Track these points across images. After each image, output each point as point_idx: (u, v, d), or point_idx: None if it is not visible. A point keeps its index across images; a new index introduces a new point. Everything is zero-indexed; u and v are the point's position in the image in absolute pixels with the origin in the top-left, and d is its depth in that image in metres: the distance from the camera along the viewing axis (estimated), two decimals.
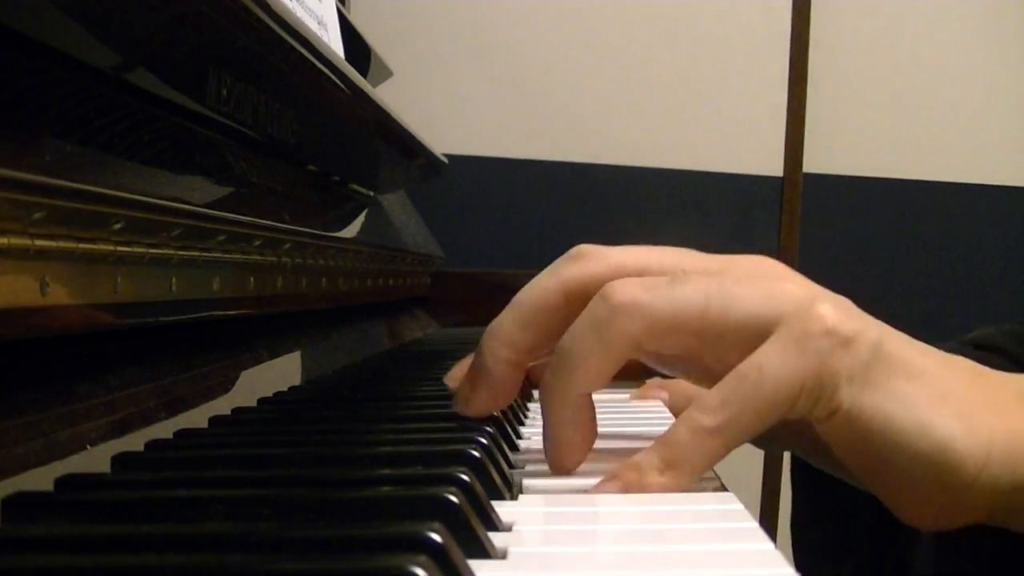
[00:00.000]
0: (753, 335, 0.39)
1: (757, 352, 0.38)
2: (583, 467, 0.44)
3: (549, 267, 0.44)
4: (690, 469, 0.38)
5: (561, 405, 0.41)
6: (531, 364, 0.46)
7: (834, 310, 0.38)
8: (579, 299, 0.42)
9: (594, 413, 0.42)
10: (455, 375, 0.48)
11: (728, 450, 0.39)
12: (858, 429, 0.38)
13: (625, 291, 0.39)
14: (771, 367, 0.38)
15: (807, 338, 0.38)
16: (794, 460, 0.66)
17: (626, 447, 0.51)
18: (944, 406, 0.38)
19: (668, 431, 0.39)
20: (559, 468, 0.42)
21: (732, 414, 0.38)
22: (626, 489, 0.38)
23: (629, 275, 0.41)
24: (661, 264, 0.43)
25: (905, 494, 0.40)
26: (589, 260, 0.43)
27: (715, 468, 0.44)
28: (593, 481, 0.42)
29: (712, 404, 0.38)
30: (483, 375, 0.44)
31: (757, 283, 0.40)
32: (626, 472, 0.39)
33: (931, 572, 0.60)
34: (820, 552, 0.65)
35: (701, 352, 0.41)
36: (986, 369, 0.42)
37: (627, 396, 0.68)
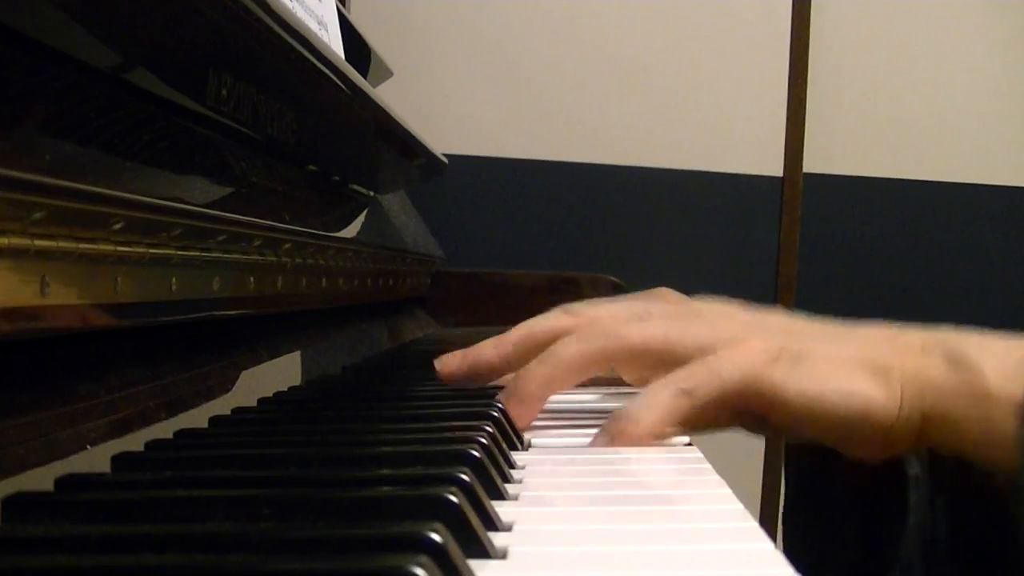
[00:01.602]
0: (701, 356, 0.52)
1: (720, 352, 0.52)
2: (582, 466, 0.44)
3: (548, 315, 0.58)
4: (664, 417, 0.50)
5: (536, 384, 0.54)
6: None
7: (758, 341, 0.52)
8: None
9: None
10: (445, 358, 0.59)
11: (690, 411, 0.50)
12: (797, 411, 0.50)
13: (607, 325, 0.56)
14: (727, 359, 0.51)
15: (745, 353, 0.51)
16: (787, 447, 0.68)
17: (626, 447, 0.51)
18: (859, 369, 0.50)
19: (647, 388, 0.51)
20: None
21: (699, 381, 0.51)
22: (611, 435, 0.50)
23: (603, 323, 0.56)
24: (632, 313, 0.57)
25: (850, 443, 0.51)
26: (579, 315, 0.57)
27: (715, 467, 0.44)
28: (593, 481, 0.42)
29: (684, 374, 0.51)
30: (471, 358, 0.58)
31: (704, 321, 0.55)
32: (615, 421, 0.51)
33: (911, 565, 0.61)
34: (807, 529, 0.67)
35: (662, 370, 0.53)
36: (890, 329, 0.54)
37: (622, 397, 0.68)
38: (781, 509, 0.68)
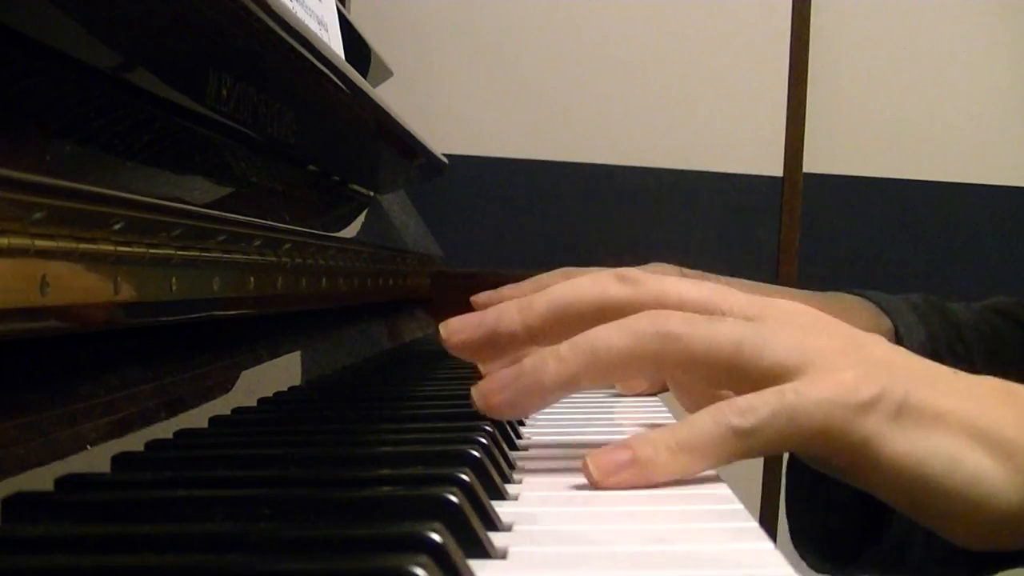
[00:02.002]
0: (777, 380, 0.41)
1: (796, 382, 0.40)
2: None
3: (593, 276, 0.45)
4: (703, 460, 0.40)
5: (554, 376, 0.42)
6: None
7: (855, 375, 0.40)
8: (612, 317, 0.43)
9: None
10: (454, 323, 0.48)
11: (740, 457, 0.40)
12: (888, 477, 0.40)
13: (670, 320, 0.42)
14: (808, 395, 0.39)
15: (837, 388, 0.40)
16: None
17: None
18: (974, 442, 0.40)
19: (693, 417, 0.40)
20: (486, 404, 0.43)
21: (761, 422, 0.39)
22: (635, 461, 0.39)
23: (669, 307, 0.43)
24: (701, 300, 0.44)
25: (950, 525, 0.41)
26: (635, 286, 0.44)
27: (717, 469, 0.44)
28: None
29: (744, 407, 0.40)
30: (490, 324, 0.45)
31: (790, 332, 0.42)
32: (641, 445, 0.40)
33: (911, 524, 0.61)
34: (808, 504, 0.66)
35: (722, 386, 0.43)
36: (1013, 387, 0.43)
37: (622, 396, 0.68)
38: (784, 478, 0.68)
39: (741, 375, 0.41)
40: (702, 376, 0.43)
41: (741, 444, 0.39)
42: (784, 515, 0.68)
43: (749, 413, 0.39)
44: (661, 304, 0.43)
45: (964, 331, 0.73)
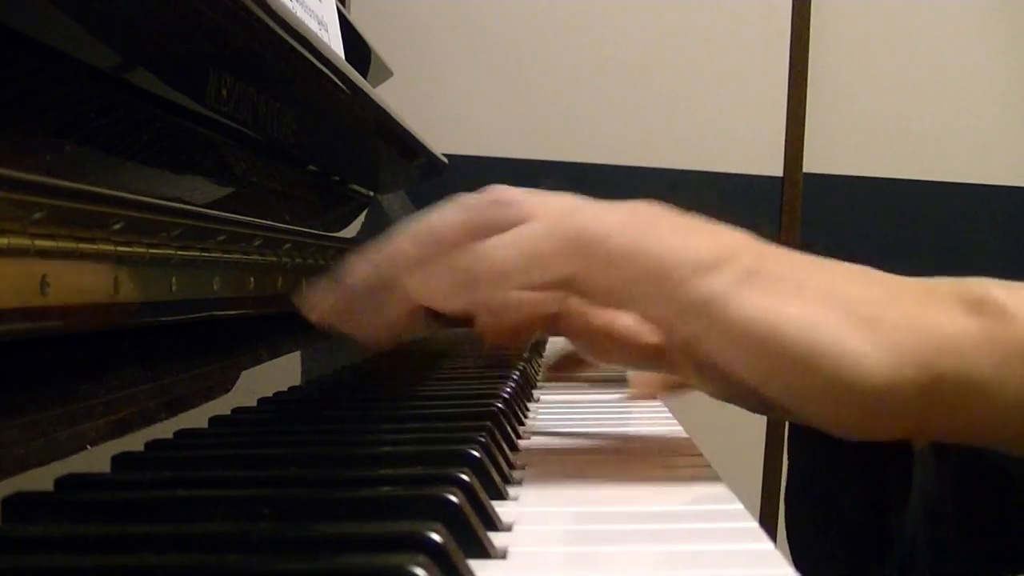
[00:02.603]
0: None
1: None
2: (584, 470, 0.44)
3: (464, 203, 0.42)
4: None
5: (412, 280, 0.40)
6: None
7: (699, 240, 0.38)
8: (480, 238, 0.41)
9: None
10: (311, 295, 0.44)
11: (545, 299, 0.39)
12: (740, 342, 0.37)
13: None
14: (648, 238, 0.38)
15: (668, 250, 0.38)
16: (791, 428, 0.66)
17: (626, 447, 0.51)
18: (830, 308, 0.37)
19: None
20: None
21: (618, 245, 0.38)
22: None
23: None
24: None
25: (818, 402, 0.37)
26: (507, 209, 0.41)
27: (716, 468, 0.44)
28: (593, 484, 0.42)
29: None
30: (345, 289, 0.42)
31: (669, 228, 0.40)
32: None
33: (916, 541, 0.61)
34: (809, 517, 0.66)
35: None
36: (883, 274, 0.41)
37: (621, 396, 0.69)
38: (783, 489, 0.68)
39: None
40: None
41: (573, 246, 0.37)
42: (783, 513, 0.68)
43: (598, 217, 0.38)
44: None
45: None
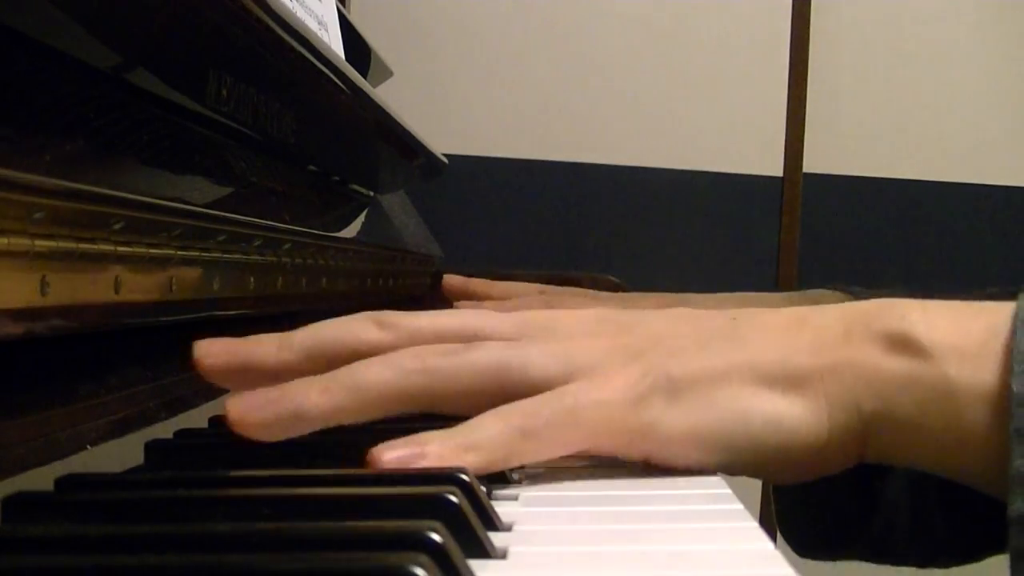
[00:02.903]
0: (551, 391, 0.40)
1: (573, 385, 0.40)
2: (584, 470, 0.44)
3: (352, 320, 0.43)
4: (490, 460, 0.39)
5: (314, 402, 0.39)
6: None
7: (623, 375, 0.40)
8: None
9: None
10: (208, 345, 0.43)
11: (533, 458, 0.40)
12: (689, 452, 0.40)
13: (430, 355, 0.41)
14: (586, 396, 0.40)
15: (603, 390, 0.40)
16: None
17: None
18: (760, 386, 0.40)
19: (479, 418, 0.40)
20: (240, 419, 0.39)
21: (546, 422, 0.39)
22: (404, 457, 0.38)
23: (426, 342, 0.42)
24: (457, 329, 0.43)
25: (771, 472, 0.41)
26: (391, 330, 0.43)
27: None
28: (593, 484, 0.42)
29: (529, 410, 0.39)
30: (243, 354, 0.42)
31: (553, 343, 0.42)
32: (432, 446, 0.38)
33: (897, 509, 0.62)
34: (793, 490, 0.66)
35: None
36: (800, 313, 0.43)
37: None
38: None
39: (516, 395, 0.40)
40: (476, 405, 0.41)
41: (529, 445, 0.39)
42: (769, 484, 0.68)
43: (533, 416, 0.39)
44: (416, 344, 0.42)
45: None
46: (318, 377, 0.40)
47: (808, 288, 0.92)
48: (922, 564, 0.65)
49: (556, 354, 0.41)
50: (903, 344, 0.39)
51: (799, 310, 0.43)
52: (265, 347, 0.42)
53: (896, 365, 0.39)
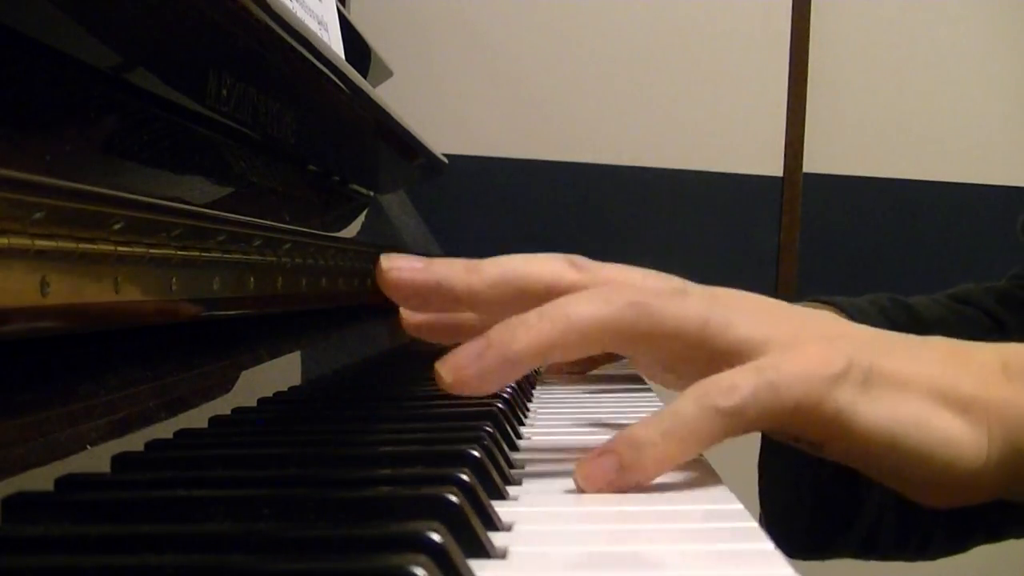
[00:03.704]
0: (745, 356, 0.41)
1: (769, 357, 0.40)
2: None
3: (547, 257, 0.44)
4: (691, 447, 0.39)
5: (526, 343, 0.40)
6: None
7: (821, 349, 0.41)
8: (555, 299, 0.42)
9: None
10: (397, 259, 0.44)
11: (726, 436, 0.40)
12: (866, 446, 0.40)
13: (642, 292, 0.41)
14: (786, 370, 0.40)
15: (807, 363, 0.40)
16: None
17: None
18: (939, 403, 0.41)
19: (675, 405, 0.40)
20: (456, 379, 0.40)
21: (745, 400, 0.39)
22: (622, 467, 0.39)
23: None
24: (668, 283, 0.45)
25: (921, 488, 0.42)
26: (587, 273, 0.44)
27: (716, 468, 0.44)
28: None
29: (727, 386, 0.39)
30: (434, 274, 0.42)
31: (750, 312, 0.43)
32: (625, 448, 0.39)
33: (883, 507, 0.62)
34: (781, 483, 0.67)
35: (685, 363, 0.43)
36: (961, 345, 0.44)
37: (622, 395, 0.68)
38: (757, 456, 0.69)
39: (707, 350, 0.41)
40: (668, 351, 0.42)
41: (727, 423, 0.39)
42: (757, 481, 0.68)
43: (733, 392, 0.39)
44: None
45: (933, 333, 0.74)
46: (521, 316, 0.40)
47: (804, 293, 0.93)
48: (910, 558, 0.66)
49: (760, 322, 0.42)
50: None
51: (958, 343, 0.45)
52: (455, 270, 0.42)
53: None
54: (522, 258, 0.43)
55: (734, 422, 0.39)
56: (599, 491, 0.39)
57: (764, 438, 0.69)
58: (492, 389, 0.41)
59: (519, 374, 0.41)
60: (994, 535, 0.64)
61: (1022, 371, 0.42)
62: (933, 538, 0.64)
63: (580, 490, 0.39)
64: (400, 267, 0.42)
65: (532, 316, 0.40)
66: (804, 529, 0.66)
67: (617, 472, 0.39)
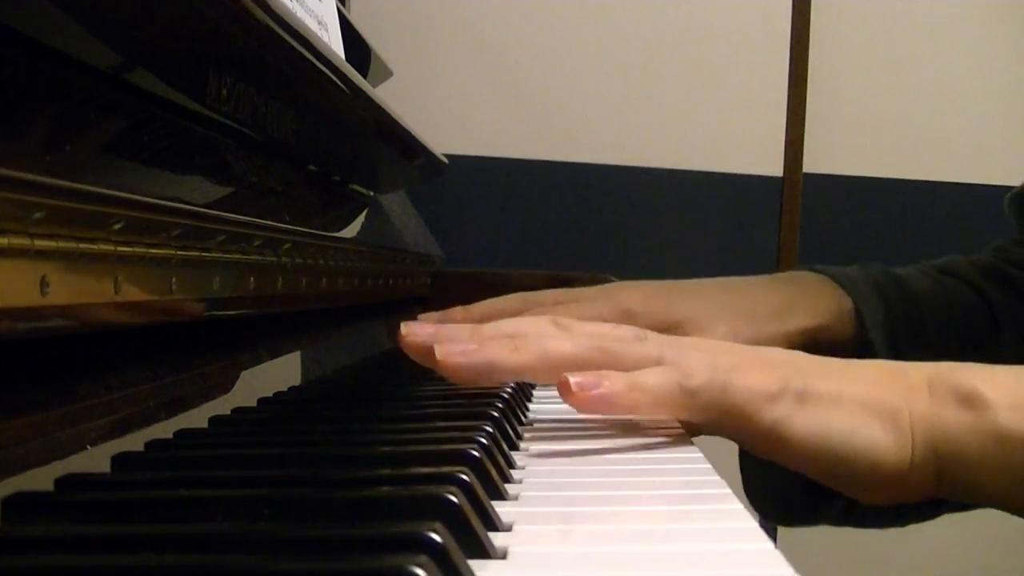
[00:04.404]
0: None
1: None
2: (584, 469, 0.44)
3: (533, 320, 0.55)
4: (652, 404, 0.48)
5: (510, 364, 0.51)
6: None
7: (763, 374, 0.49)
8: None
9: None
10: (414, 325, 0.56)
11: (680, 413, 0.49)
12: (800, 453, 0.48)
13: (607, 338, 0.52)
14: (735, 381, 0.49)
15: (747, 381, 0.49)
16: None
17: (626, 446, 0.51)
18: (866, 416, 0.48)
19: (648, 369, 0.49)
20: (442, 356, 0.52)
21: (702, 385, 0.48)
22: (603, 390, 0.48)
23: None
24: (630, 332, 0.53)
25: (855, 490, 0.50)
26: (569, 330, 0.53)
27: (715, 467, 0.44)
28: (593, 484, 0.42)
29: (688, 371, 0.49)
30: (437, 336, 0.53)
31: (703, 353, 0.52)
32: (612, 380, 0.48)
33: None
34: (761, 460, 0.69)
35: None
36: (894, 365, 0.52)
37: None
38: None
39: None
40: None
41: (683, 400, 0.48)
42: (737, 455, 0.69)
43: (692, 376, 0.48)
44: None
45: (922, 306, 0.80)
46: (509, 340, 0.51)
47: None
48: (886, 525, 0.70)
49: (710, 357, 0.51)
50: (970, 399, 0.48)
51: (892, 364, 0.52)
52: (459, 336, 0.52)
53: (964, 417, 0.48)
54: (513, 324, 0.53)
55: (688, 401, 0.48)
56: (580, 400, 0.48)
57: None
58: (468, 383, 0.52)
59: (491, 383, 0.53)
60: (961, 506, 0.67)
61: (944, 389, 0.49)
62: (908, 508, 0.67)
63: (568, 394, 0.48)
64: (415, 332, 0.54)
65: (518, 341, 0.51)
66: (785, 500, 0.69)
67: (598, 392, 0.47)
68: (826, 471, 0.49)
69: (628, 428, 0.56)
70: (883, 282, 0.78)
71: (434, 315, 0.69)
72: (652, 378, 0.48)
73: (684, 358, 0.50)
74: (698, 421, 0.50)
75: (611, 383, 0.48)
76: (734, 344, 0.56)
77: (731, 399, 0.48)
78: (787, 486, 0.68)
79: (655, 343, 0.52)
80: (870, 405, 0.48)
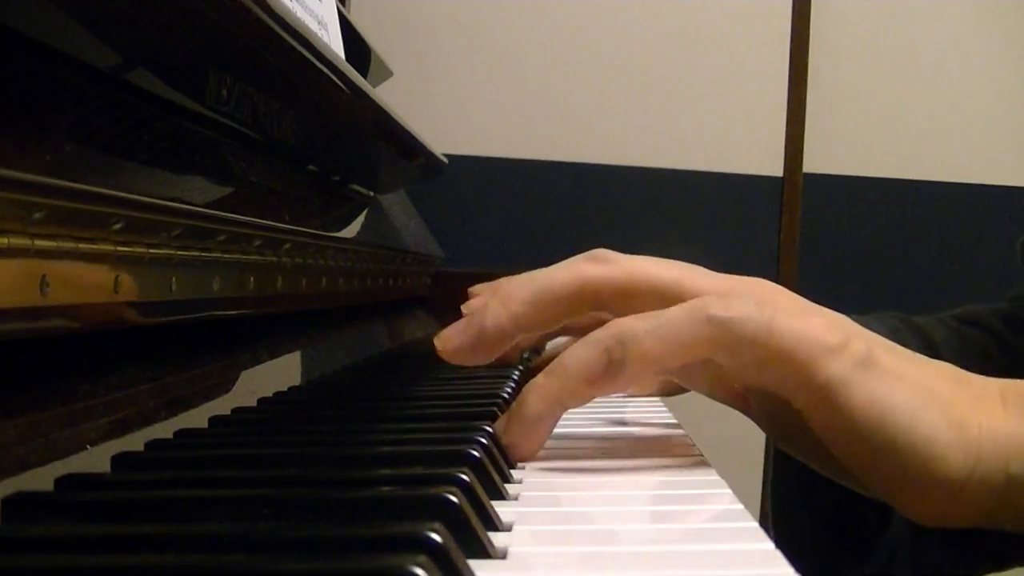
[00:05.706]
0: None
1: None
2: (584, 469, 0.44)
3: (568, 261, 0.46)
4: (674, 346, 0.41)
5: (543, 396, 0.43)
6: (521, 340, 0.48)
7: (826, 322, 0.41)
8: (590, 299, 0.46)
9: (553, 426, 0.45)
10: (445, 333, 0.49)
11: (707, 351, 0.41)
12: (852, 423, 0.40)
13: (623, 328, 0.42)
14: (785, 322, 0.40)
15: (805, 326, 0.41)
16: (776, 449, 0.67)
17: (625, 446, 0.51)
18: (931, 404, 0.40)
19: (670, 310, 0.42)
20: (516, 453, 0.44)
21: (738, 317, 0.40)
22: (610, 360, 0.41)
23: (639, 287, 0.45)
24: (669, 281, 0.46)
25: (902, 490, 0.41)
26: (607, 264, 0.46)
27: (717, 468, 0.44)
28: (592, 484, 0.42)
29: (723, 301, 0.41)
30: (477, 329, 0.47)
31: (755, 293, 0.44)
32: (612, 342, 0.41)
33: (901, 547, 0.62)
34: (792, 505, 0.67)
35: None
36: (966, 373, 0.44)
37: (621, 396, 0.68)
38: (769, 485, 0.69)
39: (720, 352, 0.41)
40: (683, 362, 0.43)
41: (712, 333, 0.40)
42: (768, 501, 0.68)
43: (729, 307, 0.40)
44: (632, 282, 0.45)
45: (942, 354, 0.73)
46: (538, 377, 0.44)
47: (804, 292, 0.94)
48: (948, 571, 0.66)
49: (764, 301, 0.42)
50: None
51: (956, 368, 0.44)
52: (494, 311, 0.46)
53: None
54: (545, 272, 0.47)
55: (718, 333, 0.40)
56: (586, 386, 0.42)
57: (775, 466, 0.69)
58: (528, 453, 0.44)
59: (545, 432, 0.45)
60: (1000, 562, 0.64)
61: (1017, 399, 0.42)
62: (944, 566, 0.64)
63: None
64: (448, 338, 0.47)
65: (542, 377, 0.43)
66: (817, 554, 0.66)
67: (605, 367, 0.41)
68: (870, 455, 0.40)
69: (628, 428, 0.56)
70: (901, 329, 0.75)
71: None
72: (674, 311, 0.41)
73: (718, 295, 0.43)
74: (728, 365, 0.42)
75: (615, 348, 0.41)
76: (791, 293, 0.47)
77: (778, 341, 0.40)
78: (822, 543, 0.66)
79: (685, 311, 0.43)
80: (938, 396, 0.41)
